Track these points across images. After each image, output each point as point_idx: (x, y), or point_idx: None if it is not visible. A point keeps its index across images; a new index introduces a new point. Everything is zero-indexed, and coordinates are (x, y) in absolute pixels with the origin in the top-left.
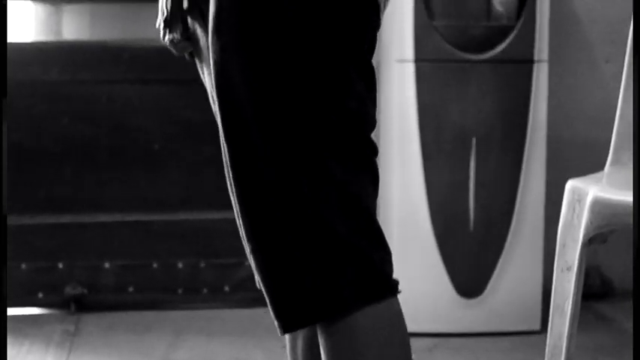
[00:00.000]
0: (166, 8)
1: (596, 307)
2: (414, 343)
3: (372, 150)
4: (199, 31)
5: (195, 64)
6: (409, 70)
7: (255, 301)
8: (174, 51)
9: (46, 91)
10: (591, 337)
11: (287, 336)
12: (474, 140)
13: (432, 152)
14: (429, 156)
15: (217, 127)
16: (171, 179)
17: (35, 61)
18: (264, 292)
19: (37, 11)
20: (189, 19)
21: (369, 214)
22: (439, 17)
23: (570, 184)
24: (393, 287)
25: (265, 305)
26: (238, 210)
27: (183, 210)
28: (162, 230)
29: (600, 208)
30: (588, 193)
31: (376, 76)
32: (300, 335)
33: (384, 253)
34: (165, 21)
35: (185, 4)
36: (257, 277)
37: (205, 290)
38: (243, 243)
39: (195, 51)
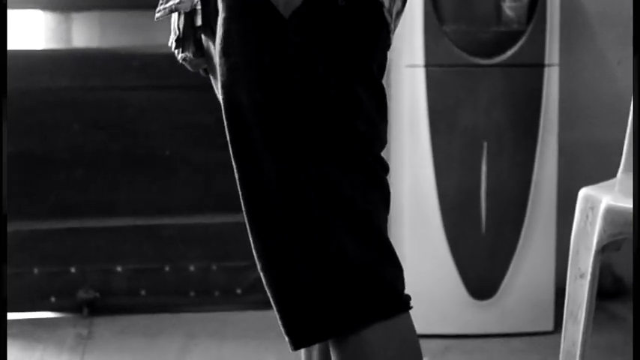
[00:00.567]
0: (178, 28)
1: (607, 307)
2: (427, 344)
3: (383, 168)
4: (212, 48)
5: (209, 80)
6: (419, 75)
7: (267, 303)
8: (189, 67)
9: (56, 98)
10: (604, 337)
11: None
12: (485, 144)
13: (444, 156)
14: (441, 160)
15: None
16: (182, 184)
17: (45, 69)
18: (275, 309)
19: (47, 19)
20: (202, 37)
21: (379, 231)
22: (449, 22)
23: (583, 192)
24: (404, 304)
25: None
26: (248, 228)
27: (195, 214)
28: (174, 234)
29: (613, 216)
30: (601, 202)
31: (386, 88)
32: (316, 347)
33: (395, 269)
34: (177, 40)
35: (199, 22)
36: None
37: (217, 293)
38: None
39: (209, 67)
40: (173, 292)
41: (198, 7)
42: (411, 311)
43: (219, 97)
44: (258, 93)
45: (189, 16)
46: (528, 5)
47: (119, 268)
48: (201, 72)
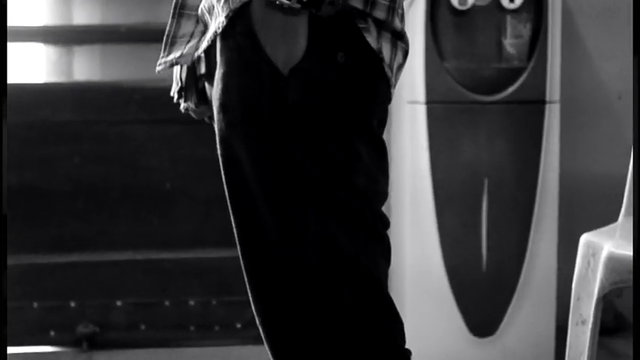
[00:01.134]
0: (181, 79)
1: (608, 343)
2: None
3: (383, 223)
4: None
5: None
6: (420, 112)
7: None
8: (193, 115)
9: (57, 131)
10: None
11: None
12: (486, 181)
13: (444, 193)
14: (441, 197)
15: None
16: (182, 217)
17: (46, 102)
18: None
19: (48, 52)
20: (206, 85)
21: (379, 287)
22: (450, 59)
23: (584, 238)
24: (405, 358)
25: None
26: (246, 281)
27: (195, 248)
28: (174, 268)
29: (615, 264)
30: (603, 248)
31: (387, 125)
32: None
33: (395, 325)
34: (180, 91)
35: (202, 70)
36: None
37: (217, 327)
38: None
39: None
40: (173, 327)
41: (202, 55)
42: (411, 347)
43: (218, 150)
44: (257, 148)
45: (192, 64)
46: (529, 42)
47: (119, 303)
48: (206, 119)
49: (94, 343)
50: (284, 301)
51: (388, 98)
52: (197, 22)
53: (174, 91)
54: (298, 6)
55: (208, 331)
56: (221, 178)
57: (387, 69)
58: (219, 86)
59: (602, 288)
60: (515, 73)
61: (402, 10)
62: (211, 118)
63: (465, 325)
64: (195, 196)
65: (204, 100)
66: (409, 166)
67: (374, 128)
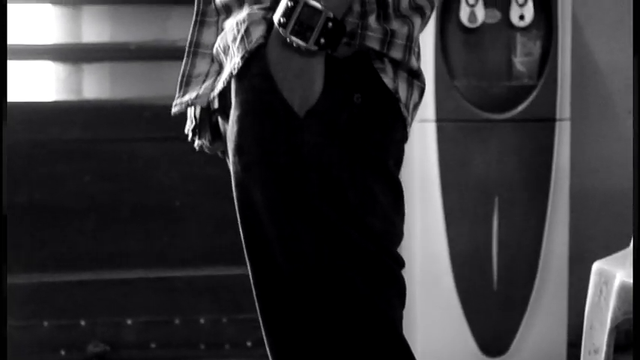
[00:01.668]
0: (195, 116)
1: None
2: None
3: (398, 264)
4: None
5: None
6: (431, 130)
7: None
8: (207, 151)
9: (67, 149)
10: None
11: None
12: (496, 199)
13: (455, 211)
14: (452, 214)
15: None
16: (192, 235)
17: (56, 121)
18: None
19: (58, 70)
20: (219, 120)
21: (394, 327)
22: (460, 77)
23: (596, 266)
24: None
25: None
26: (261, 323)
27: (205, 266)
28: (184, 286)
29: (627, 294)
30: (615, 277)
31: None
32: None
33: None
34: (194, 129)
35: (216, 105)
36: None
37: (227, 346)
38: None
39: (226, 150)
40: (183, 345)
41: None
42: None
43: (234, 193)
44: (273, 192)
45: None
46: (539, 59)
47: (129, 321)
48: (220, 154)
49: None
50: (298, 343)
51: (404, 138)
52: (212, 60)
53: (188, 129)
54: (315, 48)
55: (219, 349)
56: (230, 195)
57: (403, 109)
58: (235, 128)
59: (614, 318)
60: (526, 91)
61: (419, 47)
62: (224, 152)
63: (476, 345)
64: (206, 214)
65: (218, 135)
66: (419, 184)
67: (390, 168)
